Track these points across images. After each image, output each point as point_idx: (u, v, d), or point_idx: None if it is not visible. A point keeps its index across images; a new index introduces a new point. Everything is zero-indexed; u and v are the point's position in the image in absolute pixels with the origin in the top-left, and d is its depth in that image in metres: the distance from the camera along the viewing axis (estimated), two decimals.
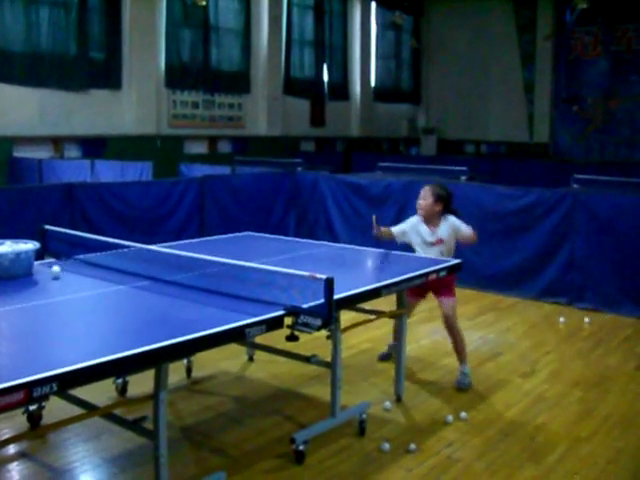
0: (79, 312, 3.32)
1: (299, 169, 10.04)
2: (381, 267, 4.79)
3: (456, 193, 7.73)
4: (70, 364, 2.43)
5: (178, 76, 13.55)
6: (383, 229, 5.05)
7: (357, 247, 5.30)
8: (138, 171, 9.26)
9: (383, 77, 19.32)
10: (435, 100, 20.57)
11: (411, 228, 5.06)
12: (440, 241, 4.94)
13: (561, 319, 6.51)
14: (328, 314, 3.18)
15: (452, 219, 4.98)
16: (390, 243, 5.19)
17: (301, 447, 3.72)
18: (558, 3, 17.77)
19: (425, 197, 4.97)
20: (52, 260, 4.28)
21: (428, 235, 4.97)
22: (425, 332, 6.11)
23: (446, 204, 4.98)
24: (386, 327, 5.59)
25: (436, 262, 4.54)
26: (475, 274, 7.34)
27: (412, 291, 4.73)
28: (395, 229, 5.12)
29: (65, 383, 2.41)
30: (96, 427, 3.93)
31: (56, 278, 3.76)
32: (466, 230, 4.94)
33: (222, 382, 4.92)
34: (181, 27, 13.56)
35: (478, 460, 3.79)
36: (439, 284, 4.76)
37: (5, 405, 2.23)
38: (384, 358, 5.41)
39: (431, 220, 4.98)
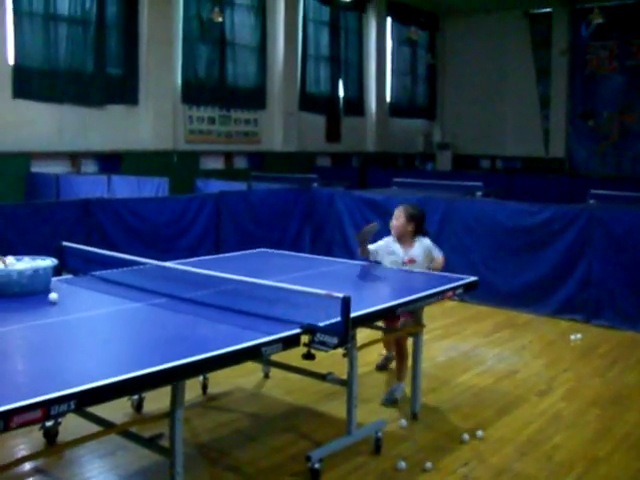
0: (96, 329, 3.33)
1: (315, 185, 10.08)
2: (397, 284, 4.78)
3: (471, 209, 7.83)
4: (87, 382, 2.44)
5: (194, 92, 13.64)
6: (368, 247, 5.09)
7: (373, 264, 5.29)
8: (155, 187, 9.30)
9: (398, 92, 19.37)
10: (450, 115, 20.58)
11: (383, 248, 5.09)
12: (411, 261, 4.99)
13: (577, 336, 6.45)
14: (345, 333, 3.18)
15: (427, 242, 5.07)
16: None
17: (317, 465, 3.70)
18: (573, 18, 17.79)
19: (398, 217, 5.05)
20: (70, 277, 4.31)
21: (401, 254, 5.02)
22: (440, 349, 6.08)
23: (418, 224, 5.05)
24: None
25: (453, 279, 4.53)
26: (491, 290, 7.31)
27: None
28: (370, 247, 5.12)
29: (83, 401, 2.41)
30: (112, 444, 3.93)
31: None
32: (437, 255, 5.06)
33: (237, 399, 4.92)
34: (197, 43, 13.67)
35: (495, 479, 3.76)
36: None
37: (22, 422, 2.24)
38: (381, 368, 5.51)
39: (404, 240, 5.05)
